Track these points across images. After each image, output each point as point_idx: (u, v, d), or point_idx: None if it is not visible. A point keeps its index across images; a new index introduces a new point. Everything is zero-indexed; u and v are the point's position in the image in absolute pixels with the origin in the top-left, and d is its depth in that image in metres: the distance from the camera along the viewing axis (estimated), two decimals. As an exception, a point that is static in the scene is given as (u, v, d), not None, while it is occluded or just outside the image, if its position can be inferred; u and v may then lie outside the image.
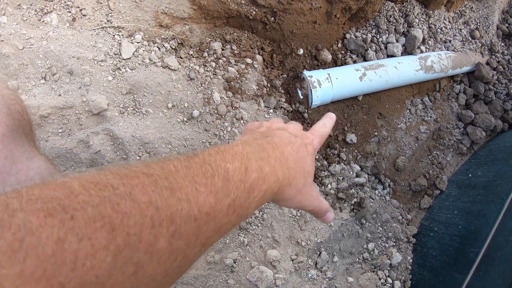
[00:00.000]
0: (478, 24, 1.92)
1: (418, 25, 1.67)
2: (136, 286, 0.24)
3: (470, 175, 1.66)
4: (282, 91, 1.43)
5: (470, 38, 1.87)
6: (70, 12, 1.40)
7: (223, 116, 1.30)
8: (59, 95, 1.31)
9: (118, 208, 0.23)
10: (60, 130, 1.30)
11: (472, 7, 1.93)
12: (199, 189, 0.30)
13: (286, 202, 0.50)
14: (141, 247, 0.23)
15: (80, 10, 1.40)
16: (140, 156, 1.23)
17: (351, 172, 1.46)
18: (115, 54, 1.35)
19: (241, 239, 1.25)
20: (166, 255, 0.26)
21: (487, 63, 1.88)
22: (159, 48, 1.38)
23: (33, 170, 0.59)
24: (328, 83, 1.38)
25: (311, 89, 1.35)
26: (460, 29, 1.86)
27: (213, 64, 1.37)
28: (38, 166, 0.61)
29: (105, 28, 1.39)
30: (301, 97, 1.40)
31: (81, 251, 0.20)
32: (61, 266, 0.19)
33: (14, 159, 0.57)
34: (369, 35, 1.58)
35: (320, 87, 1.36)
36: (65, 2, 1.41)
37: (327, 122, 0.64)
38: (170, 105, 1.28)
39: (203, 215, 0.30)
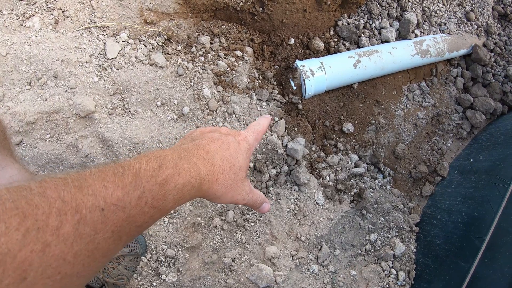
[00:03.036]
0: (473, 5, 1.87)
1: (412, 8, 1.63)
2: (46, 262, 0.29)
3: (471, 160, 1.62)
4: (275, 83, 1.39)
5: (465, 20, 1.83)
6: (52, 15, 1.36)
7: (214, 112, 1.26)
8: (46, 100, 1.28)
9: (31, 202, 0.29)
10: (48, 136, 1.26)
11: (466, -12, 1.88)
12: (106, 185, 0.35)
13: (218, 198, 0.53)
14: (47, 230, 0.29)
15: (63, 11, 1.36)
16: (130, 157, 1.20)
17: (350, 163, 1.43)
18: (100, 55, 1.31)
19: (239, 237, 1.22)
20: (72, 238, 0.31)
21: (484, 45, 1.83)
22: (145, 46, 1.34)
23: (4, 179, 0.59)
24: (322, 72, 1.34)
25: (304, 79, 1.31)
26: (455, 11, 1.81)
27: (202, 58, 1.33)
28: (11, 175, 0.60)
29: (88, 29, 1.35)
30: (294, 87, 1.36)
31: None
32: None
33: None
34: (362, 21, 1.54)
35: (313, 76, 1.32)
36: (46, 5, 1.37)
37: (262, 120, 0.67)
38: (159, 103, 1.25)
39: (110, 206, 0.34)
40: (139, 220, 0.38)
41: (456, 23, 1.78)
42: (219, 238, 1.20)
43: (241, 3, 1.36)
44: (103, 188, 0.35)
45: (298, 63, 1.34)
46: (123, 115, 1.25)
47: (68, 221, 0.31)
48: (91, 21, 1.36)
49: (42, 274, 0.29)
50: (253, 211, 1.25)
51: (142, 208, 0.38)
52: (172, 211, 1.18)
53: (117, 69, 1.28)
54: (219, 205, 1.22)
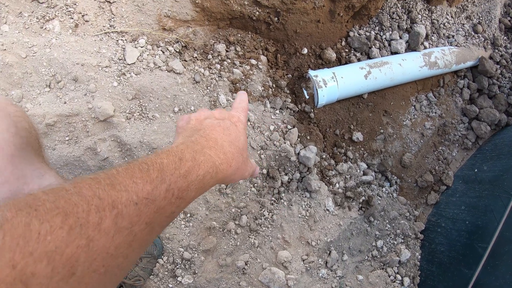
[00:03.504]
0: (481, 18, 1.92)
1: (421, 21, 1.67)
2: (92, 256, 0.31)
3: (476, 170, 1.66)
4: (288, 91, 1.43)
5: (473, 33, 1.87)
6: (72, 19, 1.38)
7: (230, 119, 1.29)
8: (65, 102, 1.31)
9: (69, 201, 0.31)
10: (67, 138, 1.29)
11: (474, 1, 1.93)
12: (136, 181, 0.38)
13: (231, 180, 0.58)
14: (89, 226, 0.31)
15: (83, 16, 1.39)
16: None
17: (358, 171, 1.47)
18: (120, 60, 1.34)
19: (252, 241, 1.26)
20: (113, 232, 0.33)
21: (490, 57, 1.88)
22: (163, 52, 1.37)
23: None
24: (334, 82, 1.37)
25: (316, 89, 1.35)
26: (463, 24, 1.85)
27: (218, 66, 1.36)
28: (49, 183, 0.62)
29: (108, 33, 1.38)
30: (307, 97, 1.40)
31: (43, 230, 0.28)
32: (29, 240, 0.27)
33: (25, 179, 0.57)
34: (373, 32, 1.58)
35: (325, 86, 1.36)
36: (66, 8, 1.39)
37: (242, 97, 0.70)
38: (176, 109, 1.28)
39: (142, 200, 0.37)
40: (168, 210, 0.41)
41: (463, 36, 1.83)
42: (233, 241, 1.24)
43: (257, 12, 1.39)
44: (133, 184, 0.37)
45: (311, 73, 1.38)
46: (141, 120, 1.28)
47: (107, 217, 0.33)
48: (110, 26, 1.39)
49: (88, 268, 0.31)
50: (266, 216, 1.28)
51: (170, 199, 0.41)
52: (188, 215, 1.22)
53: (136, 74, 1.32)
54: (233, 210, 1.26)
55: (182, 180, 0.43)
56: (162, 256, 1.20)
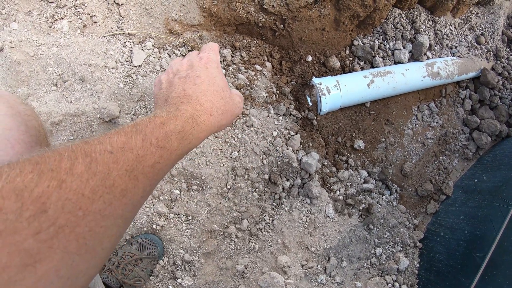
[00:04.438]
0: (484, 29, 1.93)
1: (425, 31, 1.69)
2: (65, 196, 0.31)
3: (476, 180, 1.67)
4: (291, 98, 1.44)
5: (475, 44, 1.89)
6: (81, 19, 1.40)
7: (234, 123, 1.31)
8: (71, 102, 1.32)
9: (43, 155, 0.33)
10: (72, 137, 1.31)
11: (478, 13, 1.95)
12: (110, 136, 0.39)
13: (223, 125, 0.58)
14: (61, 170, 0.32)
15: (91, 16, 1.41)
16: (152, 163, 1.24)
17: (359, 178, 1.48)
18: (126, 61, 1.36)
19: (252, 245, 1.27)
20: (87, 175, 0.34)
21: (493, 69, 1.89)
22: (169, 55, 1.39)
23: None
24: (337, 90, 1.39)
25: (320, 96, 1.37)
26: (466, 35, 1.87)
27: (223, 71, 1.38)
28: None
29: (116, 35, 1.40)
30: (310, 104, 1.42)
31: (12, 172, 0.30)
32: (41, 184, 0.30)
33: None
34: (377, 41, 1.60)
35: (329, 94, 1.37)
36: (75, 9, 1.41)
37: (209, 43, 0.68)
38: (181, 112, 1.30)
39: (117, 149, 0.38)
40: (149, 160, 0.40)
41: (466, 47, 1.84)
42: (233, 245, 1.25)
43: (263, 19, 1.41)
44: (108, 137, 0.38)
45: (315, 80, 1.39)
46: (146, 122, 1.30)
47: (80, 162, 0.34)
48: (118, 27, 1.41)
49: (63, 208, 0.31)
50: (266, 221, 1.29)
51: (148, 148, 0.41)
52: (190, 217, 1.23)
53: (142, 76, 1.33)
54: (234, 214, 1.27)
55: (158, 130, 0.43)
56: (163, 258, 1.21)
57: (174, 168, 1.25)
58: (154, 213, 1.21)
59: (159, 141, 0.43)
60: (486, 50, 1.91)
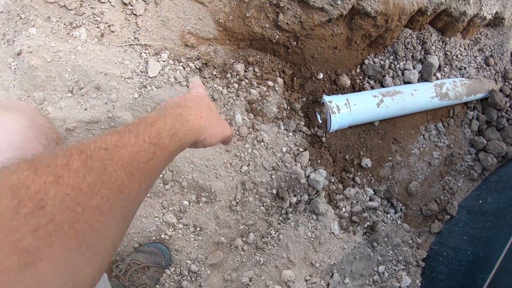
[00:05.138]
0: (493, 51, 1.95)
1: (435, 52, 1.71)
2: (63, 191, 0.31)
3: (480, 201, 1.68)
4: (301, 115, 1.47)
5: (484, 65, 1.91)
6: (98, 28, 1.43)
7: (244, 138, 1.33)
8: (85, 109, 1.35)
9: (37, 156, 0.33)
10: (86, 144, 1.33)
11: (487, 34, 1.97)
12: (104, 135, 0.40)
13: (209, 133, 0.60)
14: (57, 167, 0.33)
15: (109, 26, 1.43)
16: (163, 174, 1.27)
17: (365, 196, 1.50)
18: (142, 72, 1.39)
19: (257, 258, 1.29)
20: (83, 171, 0.34)
21: (501, 90, 1.91)
22: (184, 68, 1.41)
23: None
24: (347, 109, 1.41)
25: (330, 114, 1.39)
26: (475, 56, 1.89)
27: (236, 85, 1.40)
28: None
29: (132, 46, 1.43)
30: (320, 121, 1.44)
31: (7, 171, 0.30)
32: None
33: None
34: (387, 61, 1.62)
35: (339, 112, 1.40)
36: (93, 17, 1.44)
37: (193, 80, 0.78)
38: (193, 124, 1.32)
39: (111, 146, 0.39)
40: (143, 156, 0.42)
41: (475, 68, 1.86)
42: (239, 258, 1.27)
43: (277, 36, 1.44)
44: (101, 137, 0.40)
45: (326, 98, 1.42)
46: (159, 132, 1.32)
47: (75, 159, 0.34)
48: (135, 38, 1.44)
49: (61, 203, 0.31)
50: (272, 235, 1.31)
51: (142, 145, 0.42)
52: (198, 229, 1.25)
53: (156, 87, 1.36)
54: (241, 227, 1.29)
55: (150, 128, 0.46)
56: (170, 267, 1.24)
57: (184, 180, 1.27)
58: (163, 223, 1.24)
59: (151, 138, 0.44)
60: (494, 72, 1.93)
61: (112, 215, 0.37)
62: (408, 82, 1.62)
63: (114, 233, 0.38)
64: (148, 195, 1.29)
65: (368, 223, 1.45)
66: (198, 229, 1.25)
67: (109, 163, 0.37)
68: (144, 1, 1.44)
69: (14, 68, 1.35)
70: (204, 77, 1.42)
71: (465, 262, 1.54)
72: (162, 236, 1.23)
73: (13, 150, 0.55)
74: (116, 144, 0.40)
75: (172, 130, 0.49)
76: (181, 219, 1.25)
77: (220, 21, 1.43)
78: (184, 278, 1.22)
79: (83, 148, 0.36)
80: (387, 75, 1.59)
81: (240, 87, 1.41)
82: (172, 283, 1.22)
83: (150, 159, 0.43)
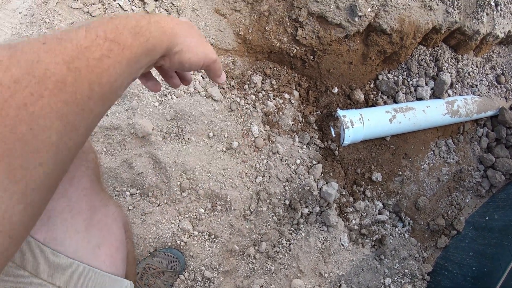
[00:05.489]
0: (504, 69, 1.98)
1: (447, 69, 1.74)
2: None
3: (487, 218, 1.71)
4: (316, 128, 1.50)
5: (495, 83, 1.93)
6: (121, 36, 1.47)
7: (260, 149, 1.37)
8: (106, 115, 1.39)
9: None
10: (105, 149, 1.37)
11: (500, 52, 1.99)
12: (50, 32, 0.36)
13: (193, 48, 0.49)
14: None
15: (131, 35, 1.47)
16: (180, 182, 1.31)
17: (374, 209, 1.53)
18: (162, 81, 1.43)
19: (269, 267, 1.33)
20: (6, 63, 0.29)
21: (511, 108, 1.93)
22: (203, 78, 1.45)
23: (110, 217, 0.63)
24: (360, 124, 1.45)
25: (344, 129, 1.42)
26: (487, 74, 1.92)
27: (253, 97, 1.44)
28: (113, 212, 0.65)
29: (153, 55, 1.47)
30: (334, 135, 1.48)
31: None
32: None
33: (95, 209, 0.60)
34: (401, 77, 1.65)
35: (352, 127, 1.43)
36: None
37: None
38: (211, 134, 1.36)
39: (53, 39, 0.33)
40: (95, 52, 0.35)
41: (486, 85, 1.89)
42: (251, 266, 1.31)
43: (295, 50, 1.48)
44: (45, 34, 0.34)
45: (340, 112, 1.45)
46: (177, 141, 1.37)
47: (0, 53, 0.30)
48: (155, 48, 1.48)
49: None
50: (284, 244, 1.35)
51: (94, 40, 0.36)
52: (213, 236, 1.29)
53: (176, 97, 1.40)
54: (254, 236, 1.33)
55: (107, 22, 0.38)
56: (184, 273, 1.28)
57: (201, 188, 1.31)
58: (179, 230, 1.28)
59: (107, 33, 0.37)
60: (505, 90, 1.95)
61: (48, 120, 0.30)
62: (421, 99, 1.65)
63: (51, 149, 0.31)
64: (165, 201, 1.33)
65: (376, 236, 1.48)
66: (213, 236, 1.29)
67: (45, 56, 0.31)
68: (167, 11, 1.48)
69: (40, 74, 1.40)
70: (223, 88, 1.46)
71: (470, 277, 1.56)
72: (178, 242, 1.27)
73: None
74: (60, 38, 0.33)
75: (137, 28, 0.40)
76: (197, 226, 1.29)
77: (240, 33, 1.47)
78: (197, 284, 1.26)
79: (14, 44, 0.31)
80: (400, 91, 1.63)
81: (257, 98, 1.45)
82: (185, 288, 1.26)
83: (104, 56, 0.36)
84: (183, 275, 1.27)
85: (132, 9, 1.47)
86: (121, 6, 1.47)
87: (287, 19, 1.44)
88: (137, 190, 1.34)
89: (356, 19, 1.42)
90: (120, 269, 0.59)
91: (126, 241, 0.66)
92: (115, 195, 1.36)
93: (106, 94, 0.37)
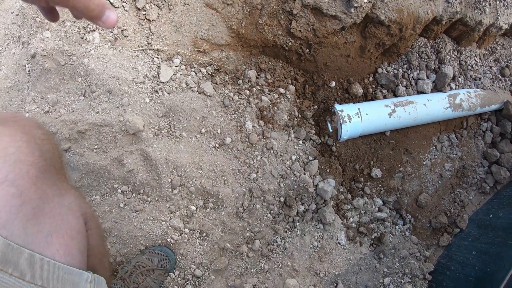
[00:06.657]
0: (509, 61, 1.91)
1: (449, 62, 1.68)
2: None
3: (491, 216, 1.65)
4: (312, 123, 1.46)
5: (499, 76, 1.87)
6: (112, 32, 1.44)
7: (254, 145, 1.34)
8: (97, 112, 1.37)
9: None
10: (96, 147, 1.35)
11: (503, 44, 1.93)
12: None
13: None
14: None
15: (122, 30, 1.45)
16: (171, 179, 1.28)
17: (374, 207, 1.48)
18: (154, 77, 1.40)
19: (262, 266, 1.29)
20: None
21: (516, 102, 1.87)
22: (195, 73, 1.42)
23: (64, 207, 0.63)
24: (358, 118, 1.40)
25: (341, 123, 1.38)
26: (491, 66, 1.86)
27: (247, 92, 1.41)
28: (69, 202, 0.65)
29: (145, 50, 1.44)
30: (331, 130, 1.43)
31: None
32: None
33: (47, 199, 0.60)
34: (401, 70, 1.60)
35: (350, 121, 1.39)
36: (108, 21, 1.45)
37: None
38: (203, 130, 1.33)
39: None
40: None
41: (490, 78, 1.83)
42: (243, 264, 1.27)
43: (290, 43, 1.44)
44: None
45: (337, 107, 1.41)
46: (169, 137, 1.33)
47: None
48: (147, 43, 1.45)
49: None
50: (278, 243, 1.31)
51: None
52: (204, 234, 1.26)
53: (167, 93, 1.37)
54: (247, 234, 1.29)
55: None
56: (174, 271, 1.25)
57: (192, 185, 1.28)
58: (170, 227, 1.25)
59: None
60: (510, 83, 1.89)
61: None
62: (421, 92, 1.60)
63: None
64: (156, 199, 1.30)
65: (375, 234, 1.44)
66: (204, 234, 1.25)
67: None
68: (158, 7, 1.45)
69: (29, 70, 1.38)
70: (216, 83, 1.42)
71: (472, 277, 1.51)
72: (168, 240, 1.24)
73: (5, 161, 0.55)
74: None
75: None
76: (188, 224, 1.26)
77: (233, 27, 1.43)
78: (188, 282, 1.23)
79: None
80: (400, 84, 1.57)
81: (251, 93, 1.41)
82: (176, 287, 1.23)
83: None
84: (174, 273, 1.24)
85: (122, 5, 1.44)
86: (111, 3, 1.44)
87: (280, 11, 1.40)
88: (128, 187, 1.31)
89: (352, 10, 1.37)
90: (77, 259, 0.59)
91: (88, 232, 0.65)
92: (107, 193, 1.33)
93: None
